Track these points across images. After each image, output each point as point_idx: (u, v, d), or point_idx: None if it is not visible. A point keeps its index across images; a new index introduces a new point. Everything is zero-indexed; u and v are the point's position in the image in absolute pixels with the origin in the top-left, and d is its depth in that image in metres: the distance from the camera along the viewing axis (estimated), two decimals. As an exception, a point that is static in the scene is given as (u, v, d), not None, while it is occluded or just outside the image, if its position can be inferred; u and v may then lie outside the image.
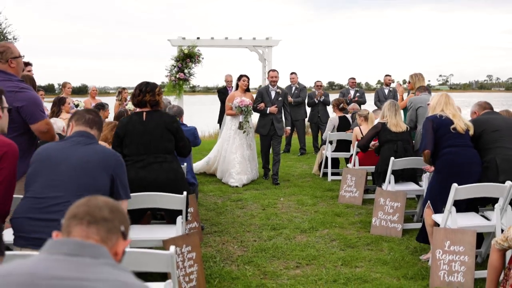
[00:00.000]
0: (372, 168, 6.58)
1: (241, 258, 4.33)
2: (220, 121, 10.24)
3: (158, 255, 2.23)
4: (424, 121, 4.45)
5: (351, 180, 6.31)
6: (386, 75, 10.30)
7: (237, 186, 7.17)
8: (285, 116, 7.58)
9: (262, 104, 7.37)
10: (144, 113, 3.91)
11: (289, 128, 7.77)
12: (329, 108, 9.57)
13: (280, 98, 7.44)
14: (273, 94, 7.43)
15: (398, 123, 5.68)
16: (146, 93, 3.91)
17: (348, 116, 8.04)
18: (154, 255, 2.24)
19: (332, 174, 7.69)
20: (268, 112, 7.34)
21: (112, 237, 1.35)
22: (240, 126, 7.46)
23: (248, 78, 7.63)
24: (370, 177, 6.86)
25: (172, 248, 2.23)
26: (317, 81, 10.69)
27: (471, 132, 4.23)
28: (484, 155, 4.20)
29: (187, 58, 10.32)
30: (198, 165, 8.07)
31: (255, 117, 8.02)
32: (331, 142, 7.72)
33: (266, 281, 3.83)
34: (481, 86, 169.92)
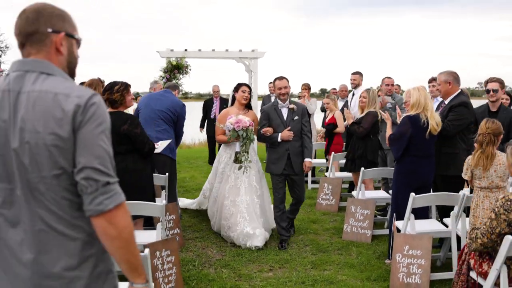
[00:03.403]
0: (347, 177, 6.92)
1: (219, 262, 4.64)
2: (202, 126, 10.18)
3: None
4: (403, 118, 4.47)
5: (328, 189, 6.64)
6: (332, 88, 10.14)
7: (258, 248, 4.92)
8: (304, 144, 5.05)
9: (270, 129, 5.01)
10: None
11: (309, 160, 5.08)
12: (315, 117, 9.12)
13: (296, 117, 5.02)
14: (284, 112, 5.06)
15: None
16: (105, 91, 4.08)
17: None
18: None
19: (312, 182, 8.04)
20: (279, 140, 4.99)
21: (45, 43, 1.45)
22: (237, 159, 5.19)
23: (250, 89, 5.45)
24: (345, 185, 7.20)
25: (147, 251, 2.53)
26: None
27: (439, 129, 4.40)
28: (458, 141, 4.53)
29: (175, 69, 10.68)
30: (194, 202, 6.30)
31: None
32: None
33: (240, 282, 4.15)
34: (472, 93, 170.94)
